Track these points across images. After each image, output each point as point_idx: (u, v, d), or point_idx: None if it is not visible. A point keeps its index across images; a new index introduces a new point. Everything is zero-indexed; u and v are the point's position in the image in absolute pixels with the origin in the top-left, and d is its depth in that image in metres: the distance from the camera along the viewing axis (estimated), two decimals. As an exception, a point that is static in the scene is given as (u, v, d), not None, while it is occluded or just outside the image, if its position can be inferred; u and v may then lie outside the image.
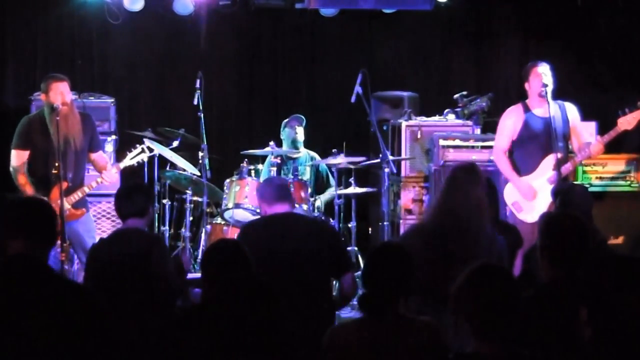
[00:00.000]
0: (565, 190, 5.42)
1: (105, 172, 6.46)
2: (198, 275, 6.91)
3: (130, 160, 6.66)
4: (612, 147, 7.40)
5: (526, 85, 6.59)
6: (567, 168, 6.42)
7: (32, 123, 6.44)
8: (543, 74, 6.45)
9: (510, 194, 6.57)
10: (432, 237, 4.53)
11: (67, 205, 6.21)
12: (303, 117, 8.23)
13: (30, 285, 2.96)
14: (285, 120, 8.26)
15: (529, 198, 6.45)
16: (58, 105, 6.21)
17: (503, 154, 6.62)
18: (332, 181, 8.21)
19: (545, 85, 6.41)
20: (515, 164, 6.59)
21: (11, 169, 6.42)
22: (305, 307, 4.55)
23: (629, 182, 7.62)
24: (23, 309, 2.92)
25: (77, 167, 6.44)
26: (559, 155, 6.35)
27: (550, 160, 6.40)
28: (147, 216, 4.91)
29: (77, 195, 6.36)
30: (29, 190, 6.30)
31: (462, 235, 4.53)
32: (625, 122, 6.40)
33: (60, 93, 6.29)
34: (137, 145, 6.79)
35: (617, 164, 7.64)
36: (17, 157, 6.41)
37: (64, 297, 2.98)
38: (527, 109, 6.57)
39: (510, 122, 6.60)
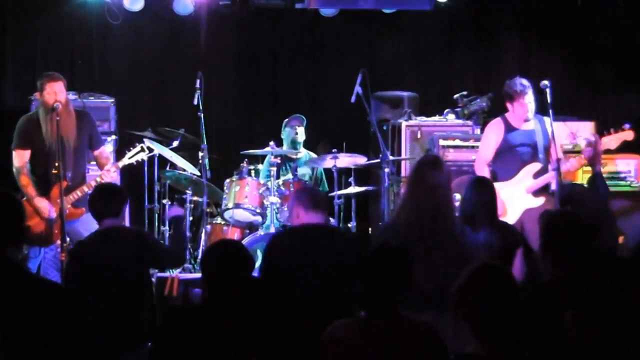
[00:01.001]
0: (574, 198, 5.48)
1: (104, 172, 6.45)
2: (198, 275, 6.94)
3: (128, 159, 6.64)
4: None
5: (509, 105, 6.64)
6: (546, 178, 6.45)
7: (30, 122, 6.44)
8: (529, 103, 6.51)
9: None
10: (404, 236, 4.55)
11: (66, 205, 6.21)
12: (303, 117, 8.22)
13: (6, 286, 2.93)
14: (286, 120, 8.25)
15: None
16: (58, 105, 6.21)
17: (485, 165, 6.69)
18: (325, 187, 8.22)
19: (530, 113, 6.51)
20: (494, 172, 6.64)
21: (14, 169, 6.42)
22: (330, 316, 4.55)
23: (629, 182, 7.62)
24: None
25: (76, 166, 6.44)
26: (540, 166, 6.48)
27: (529, 169, 6.52)
28: (121, 216, 5.03)
29: (76, 195, 6.35)
30: (31, 191, 6.30)
31: (432, 229, 4.56)
32: (609, 142, 6.48)
33: (54, 93, 6.28)
34: (137, 144, 6.77)
35: (617, 164, 7.64)
36: (19, 157, 6.41)
37: (39, 296, 2.94)
38: (508, 127, 6.64)
39: (493, 136, 6.69)
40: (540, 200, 6.45)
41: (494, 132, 6.69)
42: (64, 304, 2.98)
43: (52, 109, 6.20)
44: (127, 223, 6.20)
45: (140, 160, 6.73)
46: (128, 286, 4.68)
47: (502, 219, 6.36)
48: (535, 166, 6.51)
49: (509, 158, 6.58)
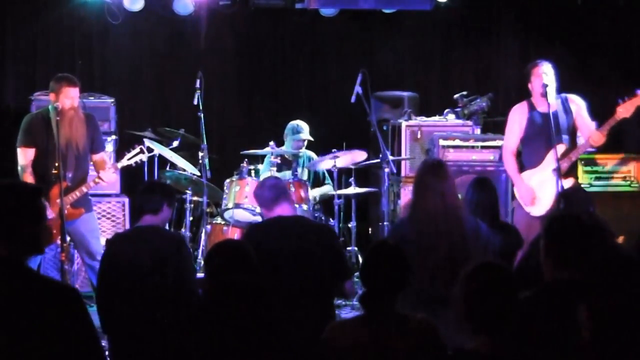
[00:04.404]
0: (567, 193, 5.46)
1: (103, 172, 6.41)
2: (198, 275, 6.94)
3: (127, 160, 6.61)
4: (612, 147, 7.41)
5: (529, 85, 6.63)
6: (569, 159, 6.45)
7: (35, 121, 6.41)
8: (544, 73, 6.49)
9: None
10: (412, 238, 4.58)
11: (65, 205, 6.21)
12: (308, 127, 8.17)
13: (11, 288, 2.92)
14: (295, 129, 8.12)
15: (526, 203, 6.48)
16: (58, 104, 6.21)
17: (511, 155, 6.67)
18: (328, 181, 8.22)
19: (546, 86, 6.44)
20: (523, 160, 6.64)
21: (19, 167, 6.38)
22: (305, 310, 4.57)
23: (629, 182, 7.63)
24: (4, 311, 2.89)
25: (78, 167, 6.41)
26: (563, 147, 6.40)
27: (554, 152, 6.46)
28: (161, 213, 4.97)
29: (75, 195, 6.32)
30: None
31: (439, 233, 4.60)
32: (624, 110, 6.43)
33: (71, 98, 6.29)
34: (136, 145, 6.76)
35: (617, 164, 7.65)
36: (24, 155, 6.36)
37: (43, 296, 2.92)
38: (532, 107, 6.63)
39: (516, 120, 6.68)
40: (569, 182, 6.36)
41: (518, 114, 6.66)
42: (73, 305, 2.95)
43: (54, 108, 6.20)
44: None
45: (139, 161, 6.71)
46: (153, 287, 4.66)
47: (536, 208, 6.40)
48: (560, 148, 6.39)
49: (535, 144, 6.53)
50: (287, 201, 5.08)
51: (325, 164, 7.69)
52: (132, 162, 6.63)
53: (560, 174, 6.29)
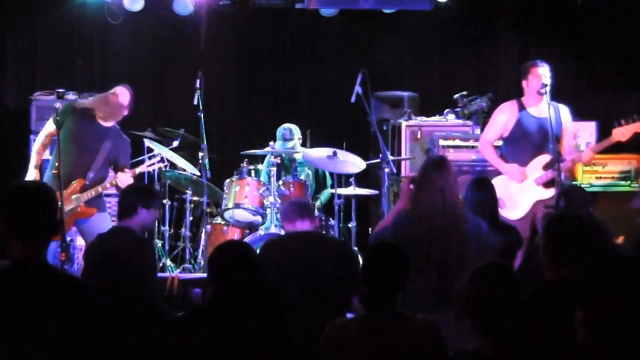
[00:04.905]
0: (568, 191, 5.45)
1: (121, 174, 6.46)
2: (198, 275, 6.94)
3: (147, 167, 6.69)
4: (612, 147, 7.41)
5: (524, 83, 6.61)
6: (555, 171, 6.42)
7: (74, 110, 6.53)
8: (543, 75, 6.47)
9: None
10: (412, 234, 4.58)
11: (80, 202, 6.35)
12: (293, 128, 8.13)
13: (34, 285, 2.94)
14: (279, 132, 8.15)
15: (518, 180, 6.45)
16: (58, 106, 6.26)
17: (489, 144, 6.65)
18: (329, 181, 8.22)
19: (545, 86, 6.43)
20: (505, 160, 6.60)
21: (39, 135, 6.60)
22: (317, 323, 4.57)
23: (629, 182, 7.63)
24: (27, 309, 2.91)
25: (101, 169, 6.53)
26: (549, 158, 6.39)
27: (539, 161, 6.46)
28: (136, 216, 5.02)
29: (91, 193, 6.41)
30: (36, 160, 6.49)
31: (439, 230, 4.60)
32: (620, 134, 6.42)
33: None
34: (157, 154, 6.86)
35: (617, 164, 7.65)
36: (46, 128, 6.57)
37: (65, 293, 2.96)
38: (521, 107, 6.60)
39: (503, 117, 6.65)
40: (551, 192, 6.33)
41: (505, 113, 6.63)
42: (94, 301, 2.98)
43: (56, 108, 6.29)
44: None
45: (157, 169, 6.81)
46: (121, 283, 4.71)
47: (512, 211, 6.40)
48: (545, 158, 6.40)
49: (521, 146, 6.51)
50: (310, 219, 5.16)
51: (324, 164, 7.68)
52: (150, 169, 6.71)
53: (555, 181, 6.27)
